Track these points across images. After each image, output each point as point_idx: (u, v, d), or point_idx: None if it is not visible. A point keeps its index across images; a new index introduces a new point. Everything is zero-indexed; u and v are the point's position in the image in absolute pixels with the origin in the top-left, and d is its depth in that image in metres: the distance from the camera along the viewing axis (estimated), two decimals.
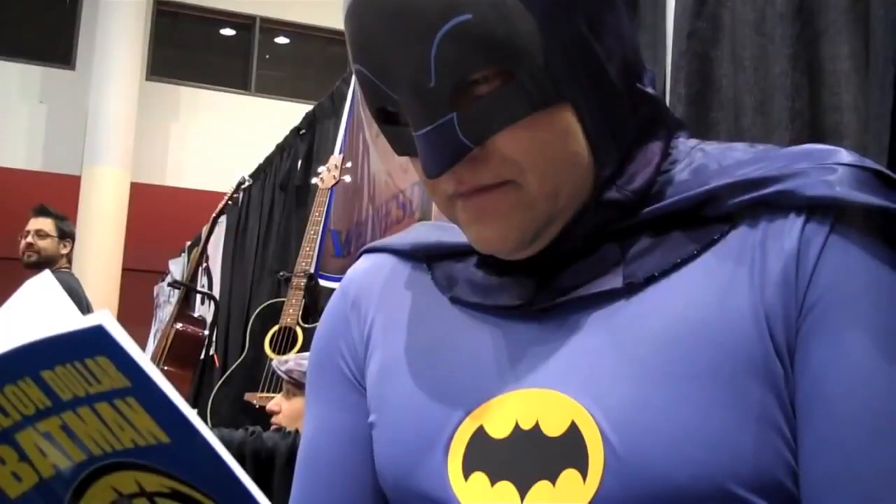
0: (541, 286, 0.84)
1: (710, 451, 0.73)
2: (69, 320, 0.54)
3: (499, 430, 0.80)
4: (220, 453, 0.53)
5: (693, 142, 0.89)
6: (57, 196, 11.87)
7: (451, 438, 0.82)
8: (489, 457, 0.80)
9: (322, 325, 1.01)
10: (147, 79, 12.75)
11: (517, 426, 0.80)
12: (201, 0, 13.51)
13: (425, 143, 0.77)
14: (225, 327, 5.81)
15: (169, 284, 4.38)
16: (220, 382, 3.79)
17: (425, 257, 0.95)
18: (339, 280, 4.07)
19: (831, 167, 0.77)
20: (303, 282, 3.74)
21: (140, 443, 0.56)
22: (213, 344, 5.84)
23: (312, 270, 3.82)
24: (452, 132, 0.76)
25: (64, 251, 4.56)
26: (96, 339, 0.52)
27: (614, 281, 0.81)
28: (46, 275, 0.69)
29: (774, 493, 0.74)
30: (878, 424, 0.73)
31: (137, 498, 0.58)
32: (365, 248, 1.03)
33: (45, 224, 4.56)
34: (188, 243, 7.37)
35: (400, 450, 0.86)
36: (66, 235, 4.61)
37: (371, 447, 0.91)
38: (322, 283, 3.99)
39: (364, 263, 1.00)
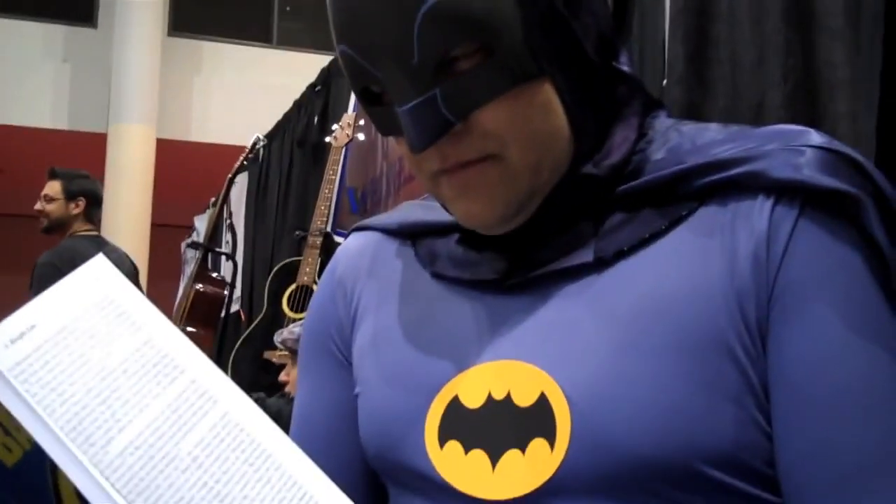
0: (517, 261, 0.86)
1: (672, 423, 0.75)
2: None
3: (473, 399, 0.83)
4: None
5: (669, 121, 0.90)
6: (84, 154, 11.92)
7: (428, 409, 0.85)
8: (463, 426, 0.83)
9: (312, 303, 1.05)
10: (169, 34, 12.71)
11: (490, 396, 0.82)
12: None
13: (409, 119, 0.79)
14: (249, 284, 5.86)
15: (188, 246, 4.39)
16: (239, 341, 3.85)
17: (410, 235, 0.98)
18: None
19: (800, 149, 0.78)
20: (319, 240, 3.77)
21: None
22: (240, 300, 5.92)
23: (329, 229, 3.84)
24: (436, 107, 0.78)
25: (76, 211, 4.38)
26: None
27: (585, 255, 0.83)
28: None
29: (743, 472, 0.76)
30: (851, 403, 0.74)
31: None
32: (354, 226, 1.06)
33: (52, 187, 4.42)
34: (212, 199, 7.41)
35: (381, 421, 0.90)
36: (77, 194, 4.41)
37: (356, 420, 0.94)
38: (338, 239, 4.01)
39: (352, 242, 1.04)
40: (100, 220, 4.60)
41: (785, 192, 0.78)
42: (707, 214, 0.81)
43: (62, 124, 12.20)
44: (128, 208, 11.56)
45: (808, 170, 0.77)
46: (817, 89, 1.85)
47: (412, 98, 0.78)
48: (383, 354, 0.92)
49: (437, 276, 0.92)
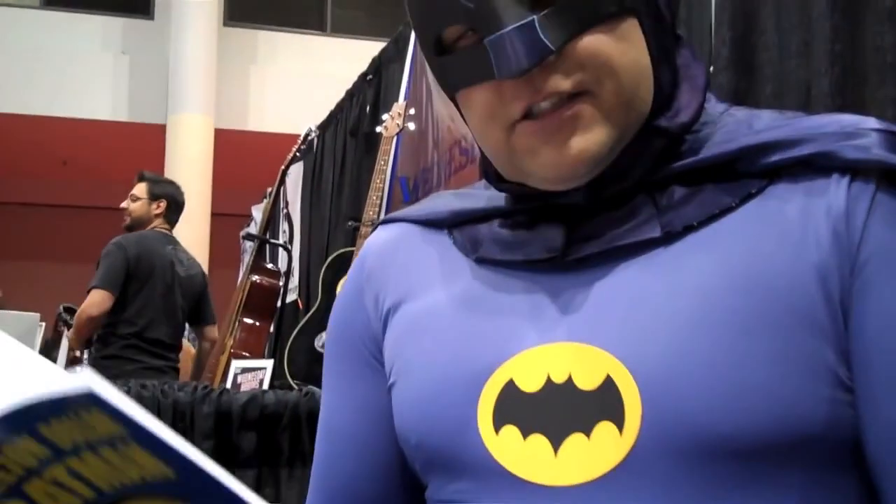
0: (571, 237, 0.84)
1: (758, 403, 0.73)
2: (50, 375, 0.56)
3: (529, 383, 0.80)
4: (229, 485, 0.55)
5: (722, 106, 0.90)
6: (143, 145, 12.08)
7: (479, 392, 0.82)
8: (520, 410, 0.80)
9: (339, 298, 1.02)
10: (224, 24, 12.81)
11: (549, 380, 0.79)
12: None
13: (506, 44, 0.77)
14: (306, 273, 5.91)
15: (244, 237, 4.46)
16: (295, 332, 3.88)
17: (445, 224, 0.95)
18: None
19: (864, 132, 0.79)
20: (371, 231, 3.76)
21: (148, 478, 0.56)
22: (297, 289, 5.96)
23: (381, 219, 3.85)
24: (534, 33, 0.77)
25: (157, 211, 4.71)
26: (86, 399, 0.52)
27: (651, 230, 0.81)
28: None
29: (832, 451, 0.75)
30: None
31: None
32: (381, 219, 1.05)
33: (139, 188, 4.74)
34: (269, 189, 7.47)
35: (425, 407, 0.86)
36: (160, 196, 4.76)
37: (386, 419, 0.92)
38: None
39: (381, 234, 1.01)
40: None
41: (859, 171, 0.78)
42: (777, 193, 0.81)
43: (122, 116, 12.34)
44: (187, 198, 11.64)
45: (877, 149, 0.77)
46: (866, 74, 1.83)
47: (510, 22, 0.77)
48: (425, 340, 0.88)
49: (482, 261, 0.90)
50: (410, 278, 0.93)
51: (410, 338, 0.90)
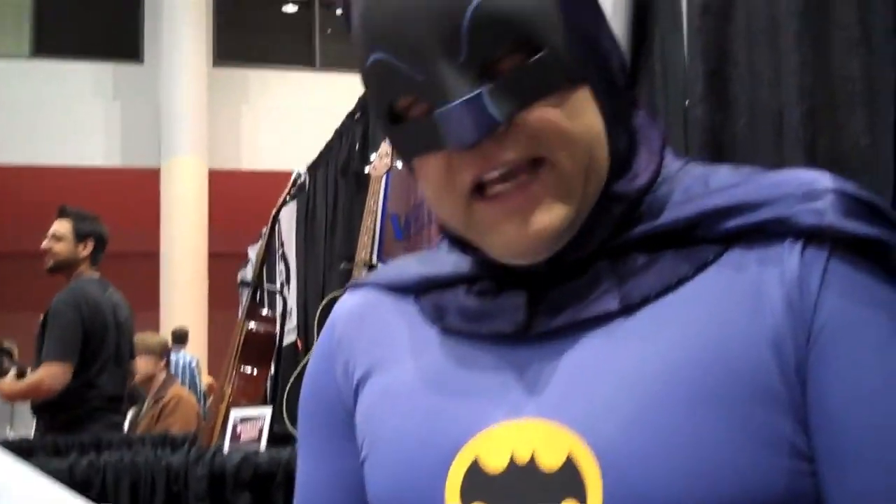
0: (534, 308, 0.84)
1: (718, 478, 0.73)
2: None
3: (495, 463, 0.80)
4: None
5: (678, 163, 0.89)
6: (138, 190, 12.11)
7: (447, 471, 0.82)
8: (486, 490, 0.80)
9: (310, 368, 1.01)
10: (214, 65, 12.89)
11: (513, 460, 0.80)
12: None
13: (454, 118, 0.76)
14: (304, 313, 5.91)
15: (239, 284, 4.44)
16: (293, 377, 3.88)
17: (411, 290, 0.95)
18: None
19: (818, 194, 0.78)
20: (363, 272, 3.78)
21: None
22: (296, 329, 5.96)
23: (374, 260, 3.86)
24: (481, 106, 0.76)
25: (84, 252, 4.28)
26: None
27: (610, 303, 0.81)
28: None
29: None
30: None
31: None
32: (350, 283, 1.03)
33: (62, 226, 4.28)
34: (264, 229, 7.49)
35: (395, 483, 0.86)
36: (87, 235, 4.28)
37: (361, 490, 0.92)
38: None
39: (349, 301, 1.00)
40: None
41: (813, 236, 0.78)
42: (733, 259, 0.80)
43: (115, 161, 12.41)
44: (184, 240, 11.72)
45: (831, 215, 0.77)
46: (835, 105, 1.84)
47: (458, 96, 0.76)
48: (393, 418, 0.88)
49: (447, 330, 0.89)
50: (379, 348, 0.93)
51: (379, 413, 0.90)
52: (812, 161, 1.76)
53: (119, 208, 12.82)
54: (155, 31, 12.45)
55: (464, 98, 0.76)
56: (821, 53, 1.85)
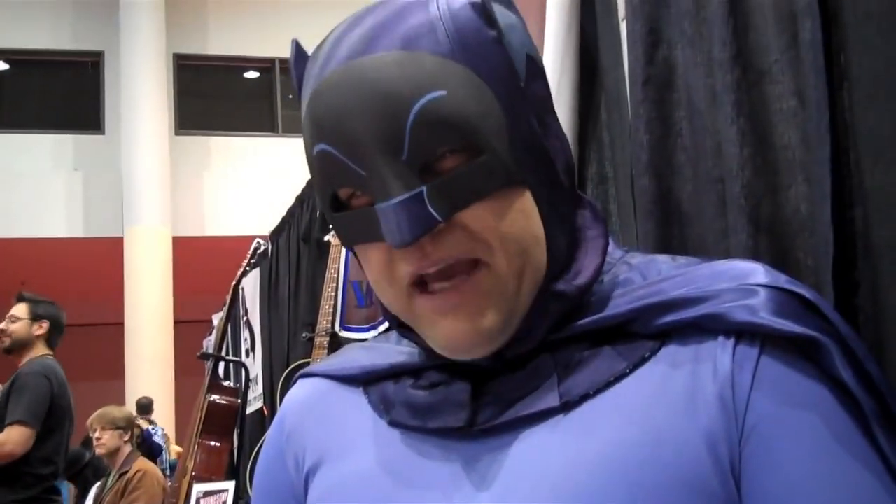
0: (479, 402, 0.85)
1: None
2: None
3: None
4: None
5: (619, 252, 0.92)
6: (101, 259, 12.05)
7: None
8: None
9: (262, 459, 1.02)
10: (176, 133, 12.91)
11: None
12: (219, 49, 13.67)
13: (393, 215, 0.78)
14: (269, 380, 5.87)
15: (198, 357, 4.42)
16: (258, 447, 3.86)
17: (358, 381, 0.96)
18: (363, 331, 4.01)
19: (752, 289, 0.80)
20: (325, 340, 3.77)
21: None
22: (262, 396, 5.93)
23: (336, 328, 3.86)
24: (421, 205, 0.77)
25: (39, 332, 4.49)
26: None
27: (551, 400, 0.82)
28: None
29: None
30: None
31: None
32: (299, 373, 1.04)
33: (20, 309, 4.54)
34: (228, 296, 7.47)
35: None
36: (42, 317, 4.53)
37: None
38: (346, 335, 4.00)
39: (298, 392, 1.01)
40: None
41: (744, 333, 0.79)
42: (668, 355, 0.82)
43: (78, 232, 12.34)
44: (149, 308, 11.64)
45: (764, 312, 0.78)
46: (775, 173, 1.89)
47: (398, 194, 0.77)
48: None
49: (394, 424, 0.90)
50: (328, 439, 0.94)
51: None
52: (755, 228, 1.80)
53: (83, 279, 12.75)
54: (115, 102, 12.46)
55: (404, 196, 0.77)
56: (759, 123, 1.90)
